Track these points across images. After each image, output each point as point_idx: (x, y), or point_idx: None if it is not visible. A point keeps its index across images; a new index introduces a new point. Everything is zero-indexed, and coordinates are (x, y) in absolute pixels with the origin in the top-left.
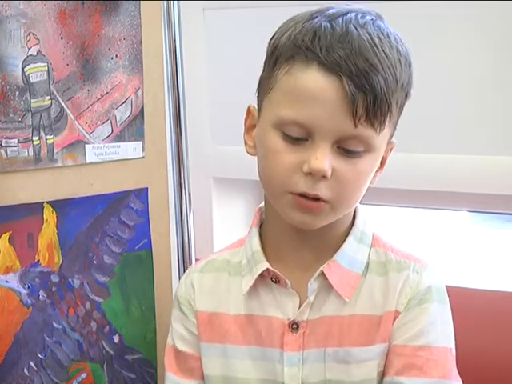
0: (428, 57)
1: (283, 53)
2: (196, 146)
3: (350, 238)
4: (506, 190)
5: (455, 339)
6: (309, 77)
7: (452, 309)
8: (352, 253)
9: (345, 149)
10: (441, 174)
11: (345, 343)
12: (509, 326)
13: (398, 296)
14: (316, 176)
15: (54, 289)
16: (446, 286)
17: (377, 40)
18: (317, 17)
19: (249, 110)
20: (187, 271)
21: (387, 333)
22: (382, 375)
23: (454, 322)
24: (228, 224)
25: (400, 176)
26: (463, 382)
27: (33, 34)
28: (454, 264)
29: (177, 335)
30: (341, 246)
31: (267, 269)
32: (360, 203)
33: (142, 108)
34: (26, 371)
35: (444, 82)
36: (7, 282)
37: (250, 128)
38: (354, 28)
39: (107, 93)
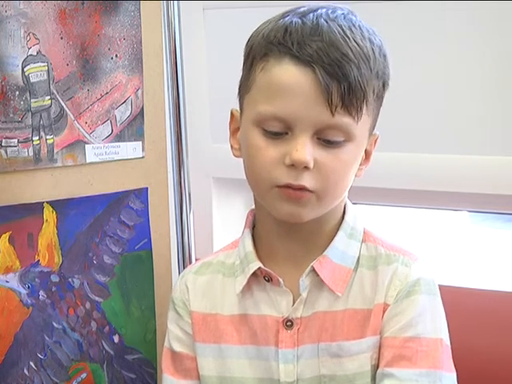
0: (428, 57)
1: (258, 52)
2: (196, 146)
3: (340, 234)
4: (506, 190)
5: (455, 339)
6: (282, 71)
7: (451, 309)
8: (343, 248)
9: (325, 139)
10: (441, 173)
11: (337, 337)
12: (509, 326)
13: (387, 289)
14: (298, 167)
15: (53, 289)
16: (446, 286)
17: (348, 32)
18: (288, 15)
19: (232, 114)
20: (182, 273)
21: (378, 325)
22: (376, 368)
23: (453, 322)
24: (228, 224)
25: (400, 176)
26: (463, 381)
27: (33, 33)
28: (453, 264)
29: (173, 336)
30: (331, 241)
31: (259, 268)
32: (359, 203)
33: (142, 108)
34: (25, 371)
35: (444, 83)
36: (7, 282)
37: (234, 131)
38: (324, 22)
39: (107, 93)
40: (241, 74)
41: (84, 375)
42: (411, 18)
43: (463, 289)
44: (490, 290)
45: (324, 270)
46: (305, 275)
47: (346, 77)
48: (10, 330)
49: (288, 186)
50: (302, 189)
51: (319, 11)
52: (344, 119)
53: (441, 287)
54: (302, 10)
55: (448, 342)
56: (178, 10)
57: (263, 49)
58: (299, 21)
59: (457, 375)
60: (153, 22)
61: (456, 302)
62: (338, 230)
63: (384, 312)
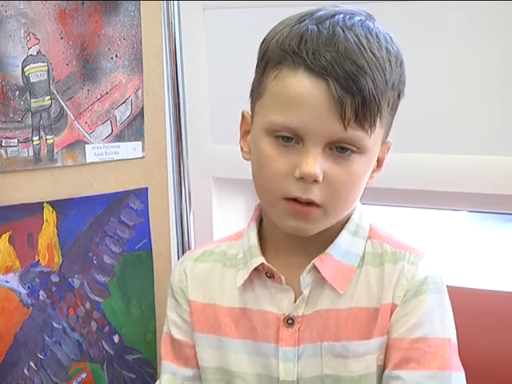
0: (429, 57)
1: (271, 58)
2: (196, 145)
3: (344, 232)
4: (506, 190)
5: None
6: (296, 82)
7: (452, 309)
8: (346, 245)
9: (337, 149)
10: (441, 173)
11: (342, 337)
12: (509, 326)
13: (394, 288)
14: (308, 180)
15: (53, 289)
16: (446, 286)
17: (364, 41)
18: (304, 20)
19: (243, 116)
20: (182, 258)
21: (385, 326)
22: (383, 369)
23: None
24: (228, 224)
25: (400, 176)
26: None
27: (33, 33)
28: (454, 264)
29: (172, 323)
30: (335, 239)
31: (262, 263)
32: (359, 203)
33: (142, 108)
34: (25, 371)
35: (445, 83)
36: (7, 281)
37: (245, 133)
38: (340, 30)
39: (107, 93)
40: (239, 72)
41: (84, 375)
42: (412, 18)
43: (463, 289)
44: (490, 290)
45: (325, 267)
46: (306, 272)
47: (360, 91)
48: (9, 330)
49: (296, 200)
50: (310, 203)
51: (336, 17)
52: (357, 133)
53: None
54: (319, 14)
55: (455, 340)
56: (178, 10)
57: (277, 56)
58: (315, 28)
59: None
60: (153, 22)
61: (456, 301)
62: (343, 227)
63: (392, 312)
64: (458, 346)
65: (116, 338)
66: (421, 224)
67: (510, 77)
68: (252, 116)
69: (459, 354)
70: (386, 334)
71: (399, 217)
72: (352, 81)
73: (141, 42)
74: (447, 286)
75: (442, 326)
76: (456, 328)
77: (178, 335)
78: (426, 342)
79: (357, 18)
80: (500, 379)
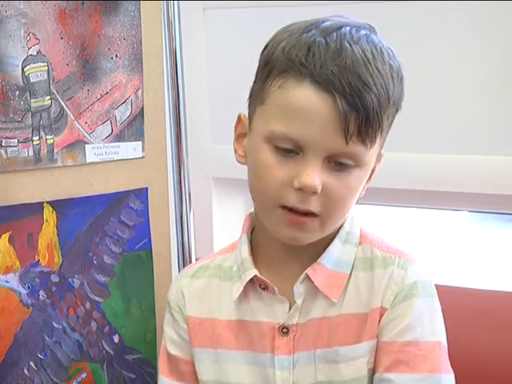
0: (429, 57)
1: (276, 66)
2: (196, 145)
3: (335, 240)
4: (506, 190)
5: (454, 339)
6: (301, 93)
7: (451, 309)
8: (337, 254)
9: (335, 162)
10: (441, 173)
11: (333, 343)
12: (508, 326)
13: (384, 293)
14: (307, 192)
15: (53, 289)
16: (446, 286)
17: (370, 56)
18: (311, 30)
19: (239, 118)
20: (179, 275)
21: (374, 329)
22: (373, 372)
23: (453, 322)
24: (228, 224)
25: (400, 176)
26: (462, 382)
27: (33, 34)
28: (454, 264)
29: (168, 339)
30: (327, 248)
31: (255, 276)
32: (359, 203)
33: (142, 108)
34: (25, 371)
35: (445, 83)
36: (7, 281)
37: (240, 136)
38: (348, 44)
39: (107, 93)
40: (239, 72)
41: (84, 375)
42: (412, 18)
43: (463, 289)
44: (489, 290)
45: (318, 276)
46: (299, 282)
47: (365, 108)
48: (10, 330)
49: (292, 209)
50: (306, 213)
51: (343, 30)
52: (357, 148)
53: (440, 287)
54: (325, 25)
55: (445, 343)
56: (178, 10)
57: (283, 65)
58: (323, 41)
59: (456, 375)
60: (153, 22)
61: (456, 302)
62: (334, 236)
63: (381, 316)
64: (458, 346)
65: (116, 338)
66: (421, 224)
67: (510, 77)
68: (250, 120)
69: (458, 353)
70: (375, 337)
71: (400, 217)
72: (358, 97)
73: (141, 41)
74: (447, 286)
75: (431, 329)
76: (455, 328)
77: (173, 351)
78: (416, 346)
79: (362, 32)
80: (499, 379)
